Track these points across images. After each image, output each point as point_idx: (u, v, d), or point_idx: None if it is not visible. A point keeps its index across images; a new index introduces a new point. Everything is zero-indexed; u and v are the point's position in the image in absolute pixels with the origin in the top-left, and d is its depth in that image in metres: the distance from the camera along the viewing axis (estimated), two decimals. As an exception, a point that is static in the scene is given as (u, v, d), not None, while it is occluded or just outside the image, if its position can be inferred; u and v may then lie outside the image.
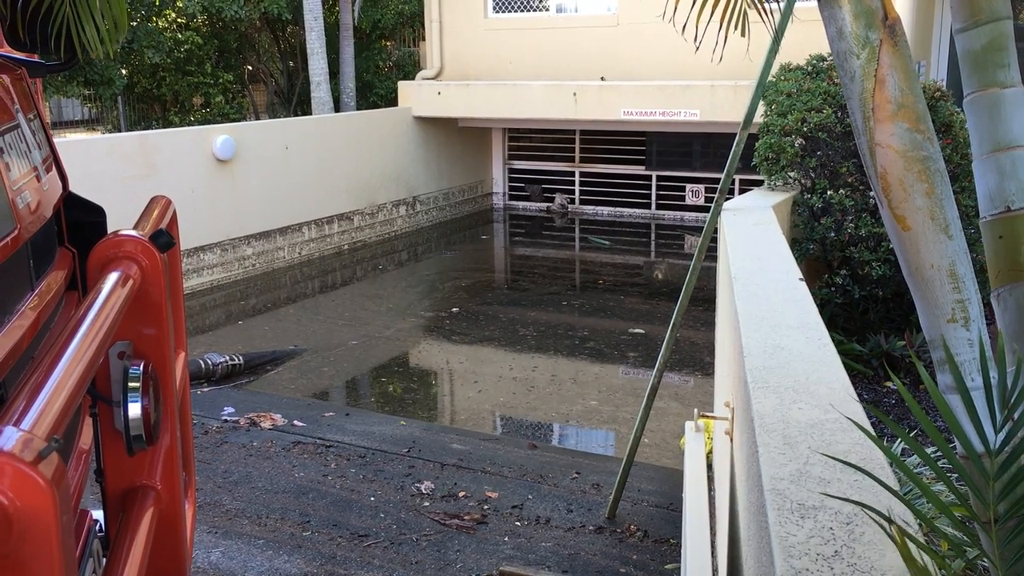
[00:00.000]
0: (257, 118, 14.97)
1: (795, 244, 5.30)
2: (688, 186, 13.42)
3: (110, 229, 2.11)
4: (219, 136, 10.05)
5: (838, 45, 1.34)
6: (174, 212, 1.97)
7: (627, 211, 13.99)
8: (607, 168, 14.01)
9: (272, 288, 10.49)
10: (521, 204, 14.76)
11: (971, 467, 1.24)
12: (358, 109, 13.97)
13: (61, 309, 1.82)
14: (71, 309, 1.90)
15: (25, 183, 1.58)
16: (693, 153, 13.30)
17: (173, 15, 13.68)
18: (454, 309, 9.43)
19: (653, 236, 13.29)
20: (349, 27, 13.85)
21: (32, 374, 0.94)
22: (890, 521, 1.19)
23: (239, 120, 13.64)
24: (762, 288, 2.98)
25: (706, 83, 10.79)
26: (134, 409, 1.25)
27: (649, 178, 13.72)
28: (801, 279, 3.11)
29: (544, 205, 14.51)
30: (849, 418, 1.37)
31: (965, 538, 1.27)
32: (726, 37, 2.48)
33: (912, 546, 1.21)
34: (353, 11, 13.98)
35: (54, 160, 1.95)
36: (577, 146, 14.20)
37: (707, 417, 3.58)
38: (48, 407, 0.84)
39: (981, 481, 1.23)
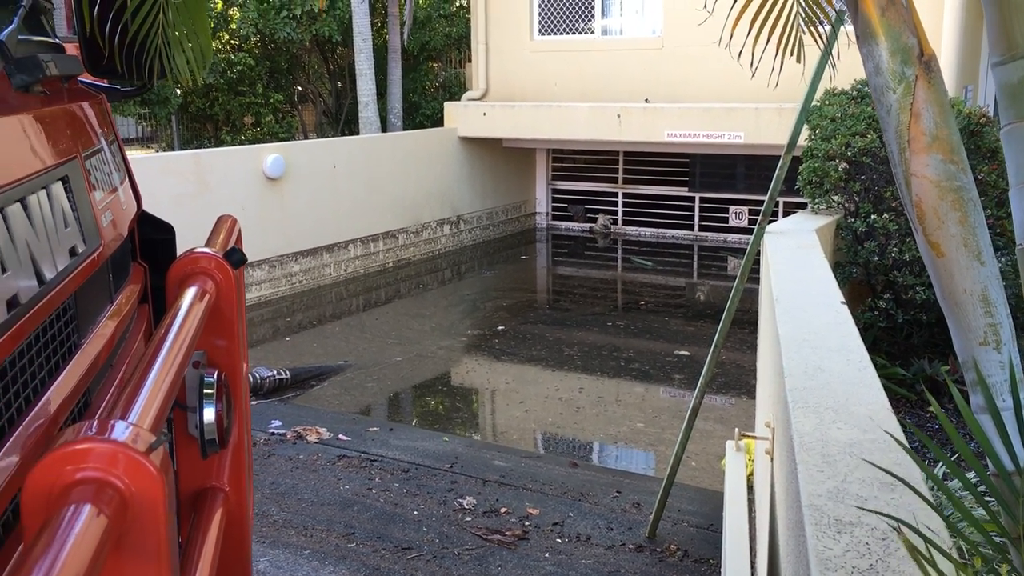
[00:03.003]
0: (306, 137, 15.25)
1: (838, 268, 5.30)
2: (731, 208, 13.41)
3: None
4: (270, 155, 10.28)
5: (875, 80, 1.40)
6: (239, 230, 2.08)
7: (670, 232, 14.00)
8: (650, 189, 14.05)
9: (318, 304, 10.67)
10: (564, 224, 14.84)
11: (1002, 485, 1.29)
12: (404, 129, 14.18)
13: (134, 322, 1.93)
14: (142, 322, 2.01)
15: (108, 203, 1.70)
16: (737, 175, 13.29)
17: (227, 37, 14.02)
18: (500, 328, 9.52)
19: (696, 257, 13.28)
20: (397, 49, 14.09)
21: (131, 378, 1.04)
22: (919, 534, 1.24)
23: (288, 139, 13.92)
24: (804, 311, 3.02)
25: (751, 106, 10.81)
26: (209, 414, 1.34)
27: (692, 199, 13.73)
28: (843, 302, 3.15)
29: (587, 225, 14.58)
30: (889, 433, 1.43)
31: (996, 554, 1.32)
32: (782, 62, 2.54)
33: (943, 560, 1.26)
34: (402, 34, 14.22)
35: (129, 180, 2.07)
36: (621, 167, 14.26)
37: (748, 437, 3.61)
38: (149, 406, 0.94)
39: (1011, 498, 1.28)
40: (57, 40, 1.91)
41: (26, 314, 1.11)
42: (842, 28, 3.82)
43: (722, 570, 2.57)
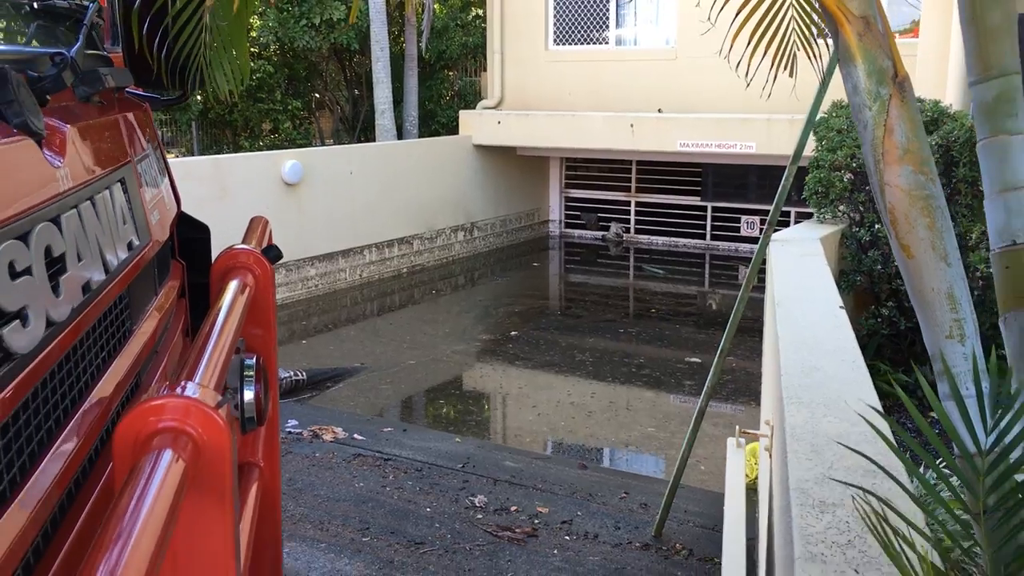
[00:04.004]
0: (323, 144, 15.46)
1: (843, 276, 5.42)
2: (743, 218, 13.52)
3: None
4: (288, 161, 10.47)
5: (854, 98, 1.54)
6: (271, 230, 2.23)
7: (682, 241, 14.12)
8: (663, 198, 14.18)
9: (333, 308, 10.84)
10: (577, 232, 14.98)
11: (965, 466, 1.43)
12: (420, 137, 14.36)
13: (174, 316, 2.08)
14: (181, 316, 2.17)
15: (155, 203, 1.86)
16: (749, 185, 13.41)
17: (247, 45, 14.25)
18: (512, 333, 9.67)
19: (707, 266, 13.39)
20: (414, 57, 14.28)
21: (190, 356, 1.19)
22: (879, 499, 1.38)
23: (305, 145, 14.13)
24: (803, 314, 3.16)
25: (763, 117, 10.93)
26: (248, 394, 1.48)
27: (704, 209, 13.85)
28: (841, 307, 3.27)
29: (599, 234, 14.71)
30: (870, 423, 1.56)
31: (960, 528, 1.45)
32: (775, 76, 2.69)
33: (919, 540, 1.39)
34: (419, 43, 14.42)
35: (170, 183, 2.23)
36: (634, 176, 14.40)
37: (748, 434, 3.74)
38: (210, 374, 1.09)
39: (973, 478, 1.41)
40: (106, 53, 2.07)
41: (95, 299, 1.26)
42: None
43: (722, 559, 2.70)
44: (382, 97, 13.29)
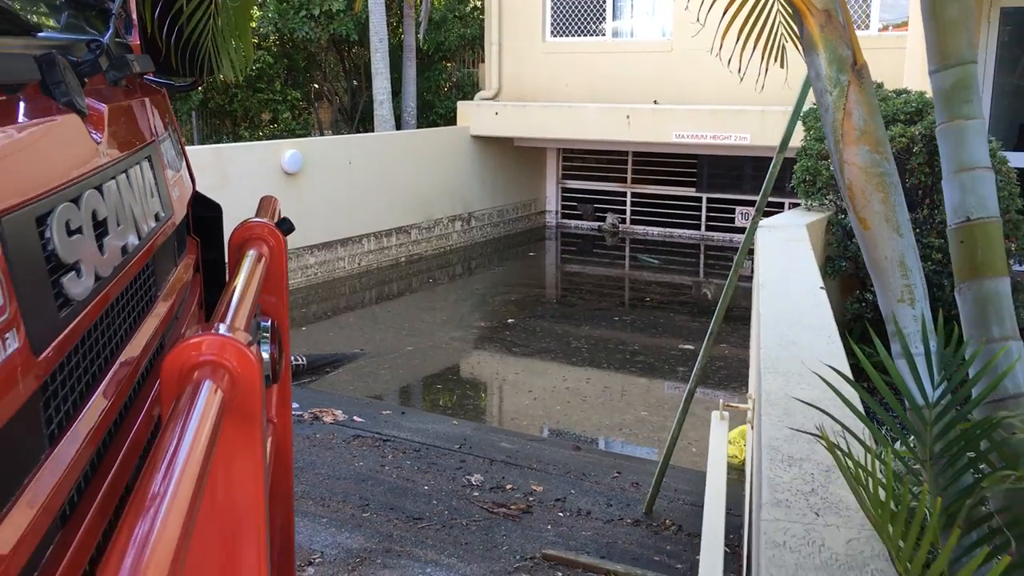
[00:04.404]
0: (322, 134, 15.58)
1: (829, 261, 5.57)
2: (738, 208, 13.66)
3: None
4: (288, 150, 10.60)
5: (816, 84, 1.69)
6: (280, 208, 2.38)
7: (677, 232, 14.26)
8: (658, 189, 14.32)
9: (333, 296, 10.98)
10: (573, 223, 15.12)
11: (915, 417, 1.57)
12: (418, 127, 14.48)
13: (190, 288, 2.23)
14: (196, 290, 2.32)
15: (175, 180, 2.00)
16: (744, 176, 13.55)
17: (250, 31, 14.34)
18: (509, 320, 9.81)
19: (702, 257, 13.54)
20: (412, 49, 14.40)
21: (220, 308, 1.33)
22: (838, 422, 1.53)
23: (305, 136, 14.24)
24: (786, 294, 3.30)
25: (757, 108, 11.07)
26: (265, 353, 1.63)
27: (700, 200, 13.99)
28: (822, 288, 3.42)
29: (596, 224, 14.85)
30: (831, 386, 1.71)
31: (913, 477, 1.60)
32: (767, 69, 2.83)
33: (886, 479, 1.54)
34: (417, 34, 14.53)
35: (186, 164, 2.38)
36: (630, 167, 14.53)
37: (732, 407, 3.90)
38: (240, 319, 1.24)
39: (921, 428, 1.56)
40: (127, 41, 2.21)
41: (131, 260, 1.41)
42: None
43: (703, 522, 2.84)
44: (381, 88, 13.41)
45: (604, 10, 13.50)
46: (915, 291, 1.66)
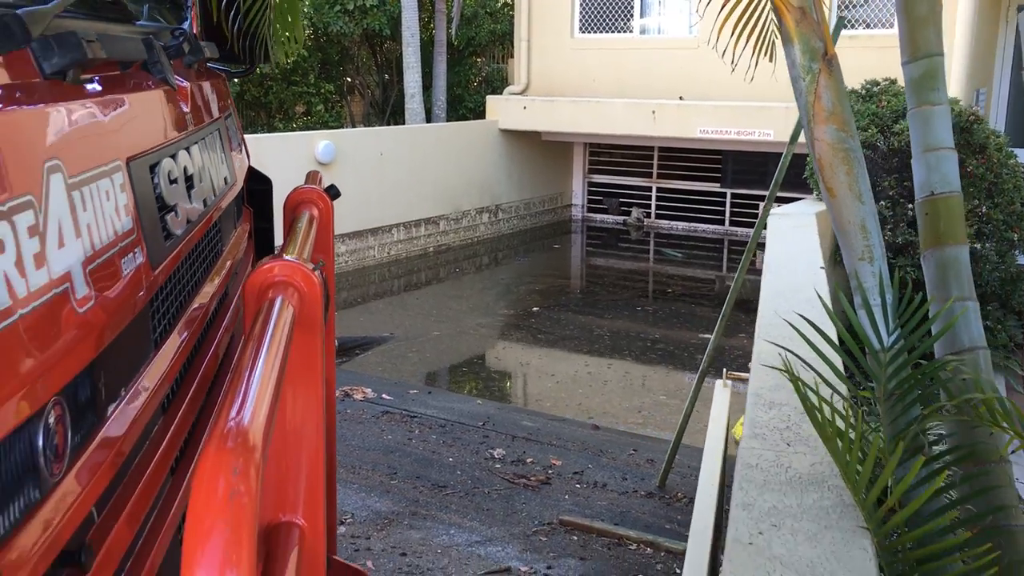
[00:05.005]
0: (354, 126, 15.91)
1: (838, 250, 5.76)
2: (762, 204, 13.81)
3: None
4: (321, 141, 10.93)
5: (792, 72, 1.94)
6: (323, 178, 2.67)
7: (701, 226, 14.45)
8: (683, 184, 14.51)
9: (363, 284, 11.30)
10: (599, 216, 15.35)
11: (872, 361, 1.82)
12: (448, 121, 14.77)
13: (244, 253, 2.52)
14: (250, 255, 2.61)
15: (235, 152, 2.29)
16: (768, 172, 13.69)
17: (300, 17, 14.71)
18: (534, 309, 10.08)
19: (726, 251, 13.72)
20: (443, 44, 14.69)
21: (284, 245, 1.62)
22: (799, 359, 1.78)
23: (337, 128, 14.58)
24: (790, 273, 3.54)
25: (781, 105, 11.24)
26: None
27: (724, 195, 14.17)
28: (822, 267, 3.66)
29: (621, 218, 15.07)
30: (792, 324, 1.96)
31: (871, 415, 1.85)
32: (757, 61, 3.08)
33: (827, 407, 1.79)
34: (449, 30, 14.82)
35: (242, 139, 2.67)
36: (655, 162, 14.74)
37: (734, 376, 4.14)
38: (304, 252, 1.52)
39: (878, 370, 1.81)
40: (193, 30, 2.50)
41: (209, 212, 1.69)
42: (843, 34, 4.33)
43: (699, 480, 3.08)
44: (412, 82, 13.71)
45: (632, 7, 13.72)
46: (874, 251, 1.91)
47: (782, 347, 2.05)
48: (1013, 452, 1.87)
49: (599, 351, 8.60)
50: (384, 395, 6.80)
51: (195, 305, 1.53)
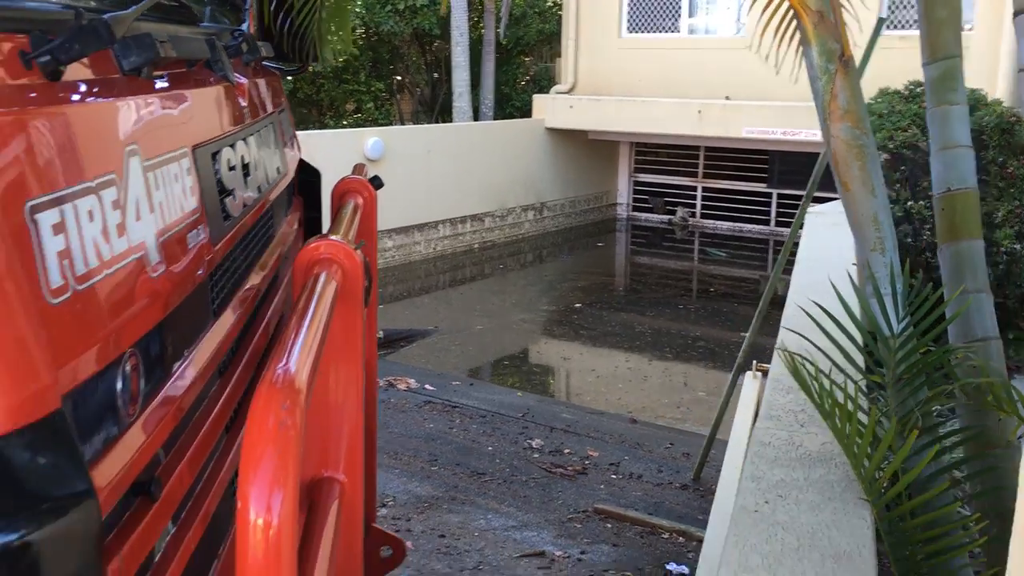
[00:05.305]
0: (403, 124, 16.15)
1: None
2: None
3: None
4: (370, 138, 11.16)
5: (810, 72, 2.03)
6: (367, 170, 2.82)
7: (747, 227, 14.42)
8: (729, 184, 14.49)
9: (409, 279, 11.50)
10: (643, 215, 15.39)
11: (883, 347, 1.92)
12: (495, 119, 14.93)
13: (294, 239, 2.68)
14: (299, 242, 2.77)
15: (287, 145, 2.45)
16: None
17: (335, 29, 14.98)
18: (576, 305, 10.20)
19: (771, 252, 13.68)
20: (492, 43, 14.86)
21: (331, 228, 1.76)
22: (796, 354, 1.88)
23: (386, 125, 14.82)
24: (818, 269, 3.61)
25: (828, 105, 11.19)
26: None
27: (770, 195, 14.13)
28: (854, 263, 3.72)
29: (666, 217, 15.10)
30: (806, 311, 2.06)
31: (879, 398, 1.95)
32: (801, 62, 3.17)
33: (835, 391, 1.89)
34: (497, 29, 14.98)
35: (294, 135, 2.83)
36: (701, 162, 14.74)
37: (763, 368, 4.22)
38: (347, 234, 1.67)
39: (887, 355, 1.90)
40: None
41: (263, 197, 1.85)
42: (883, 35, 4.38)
43: (720, 477, 3.16)
44: (460, 81, 13.89)
45: (680, 7, 13.75)
46: (885, 242, 2.00)
47: (800, 334, 2.16)
48: (1021, 437, 1.95)
49: (640, 348, 8.69)
50: (427, 385, 6.96)
51: (249, 282, 1.68)
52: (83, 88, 1.08)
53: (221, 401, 1.49)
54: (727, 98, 12.61)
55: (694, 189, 14.92)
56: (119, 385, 1.02)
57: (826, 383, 1.80)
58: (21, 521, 0.76)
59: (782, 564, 1.40)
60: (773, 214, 14.17)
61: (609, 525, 4.72)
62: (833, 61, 1.98)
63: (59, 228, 0.88)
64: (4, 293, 0.78)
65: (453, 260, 12.33)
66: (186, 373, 1.30)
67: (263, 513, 0.85)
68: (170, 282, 1.19)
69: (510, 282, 11.79)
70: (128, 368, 1.05)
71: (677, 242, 14.39)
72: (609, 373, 7.97)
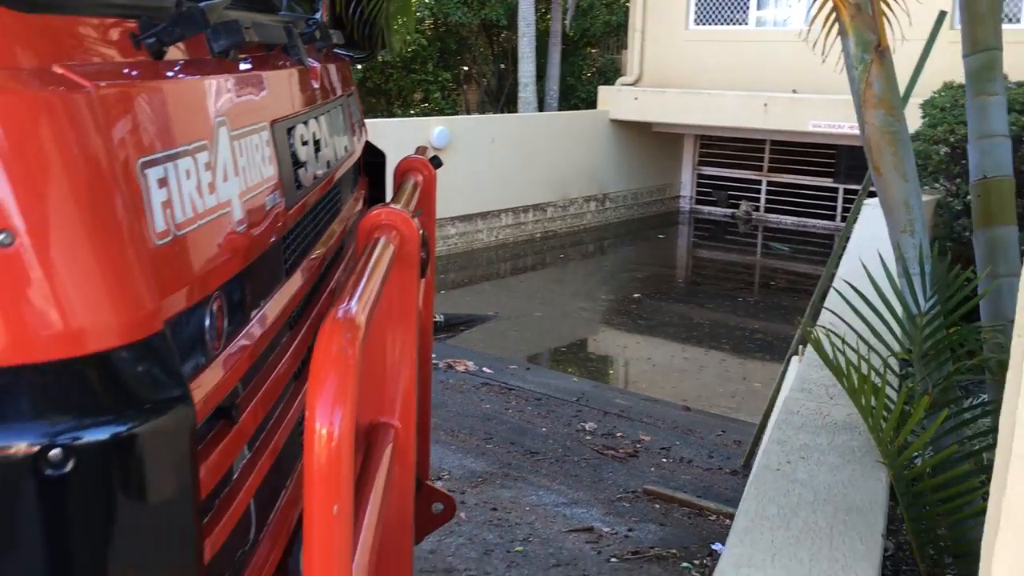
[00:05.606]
0: (468, 114, 16.36)
1: (935, 242, 5.79)
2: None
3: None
4: (436, 127, 11.37)
5: (847, 61, 2.12)
6: (427, 151, 2.98)
7: (812, 221, 14.30)
8: (795, 178, 14.38)
9: (471, 266, 11.71)
10: (706, 209, 15.36)
11: (911, 325, 2.01)
12: (559, 110, 15.04)
13: (358, 213, 2.85)
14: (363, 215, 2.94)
15: (355, 126, 2.63)
16: (883, 168, 13.44)
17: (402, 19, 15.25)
18: (635, 295, 10.28)
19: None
20: (558, 34, 14.96)
21: (392, 199, 1.93)
22: (843, 341, 1.99)
23: (452, 115, 15.04)
24: (865, 257, 3.67)
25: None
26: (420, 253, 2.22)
27: (836, 190, 13.99)
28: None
29: (729, 211, 15.04)
30: (843, 297, 2.16)
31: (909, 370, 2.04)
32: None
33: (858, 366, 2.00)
34: (564, 21, 15.08)
35: (362, 118, 3.01)
36: (767, 155, 14.64)
37: (810, 353, 4.29)
38: (407, 205, 1.83)
39: (915, 332, 2.00)
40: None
41: (332, 172, 2.02)
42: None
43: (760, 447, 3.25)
44: (526, 71, 14.04)
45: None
46: (915, 225, 2.09)
47: (834, 313, 2.26)
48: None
49: (697, 339, 8.75)
50: (485, 368, 7.14)
51: (316, 249, 1.86)
52: (181, 66, 1.25)
53: (289, 352, 1.67)
54: (794, 91, 12.52)
55: (759, 183, 14.84)
56: (207, 321, 1.20)
57: (852, 356, 1.91)
58: (131, 416, 0.93)
59: (797, 515, 1.51)
60: (839, 209, 14.01)
61: (657, 506, 4.83)
62: (869, 51, 2.07)
63: (163, 182, 1.05)
64: (121, 232, 0.96)
65: (514, 249, 12.50)
66: (261, 321, 1.47)
67: (327, 424, 1.02)
68: (250, 238, 1.36)
69: (570, 271, 11.91)
70: (215, 308, 1.22)
71: (740, 236, 14.34)
72: (665, 362, 8.06)
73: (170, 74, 1.20)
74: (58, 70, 0.94)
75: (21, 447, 0.86)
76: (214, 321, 1.22)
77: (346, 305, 1.17)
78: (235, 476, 1.33)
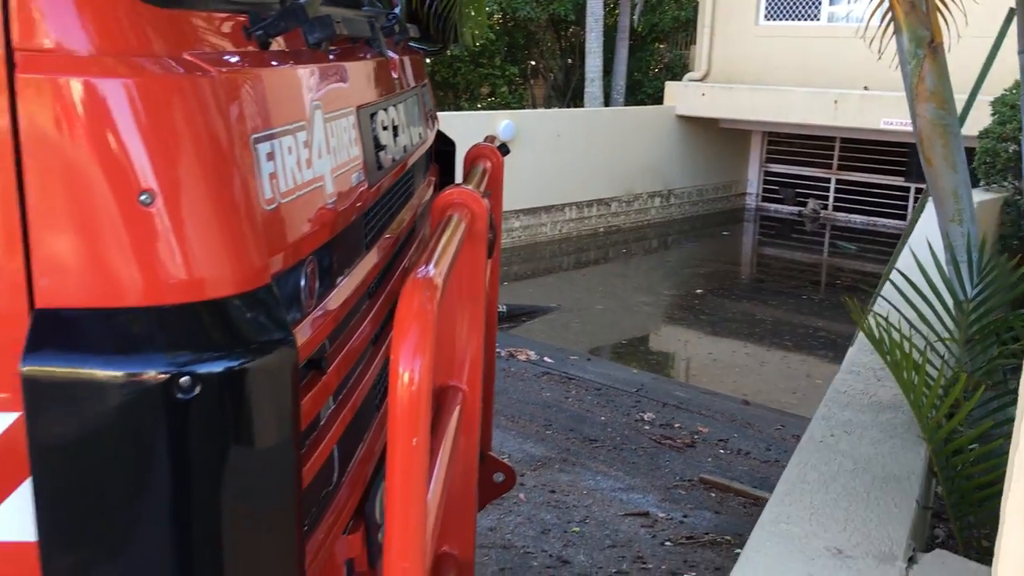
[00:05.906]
0: (535, 109, 16.49)
1: (1001, 239, 5.74)
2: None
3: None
4: (503, 120, 11.53)
5: (900, 56, 2.20)
6: (495, 139, 3.12)
7: (881, 221, 14.11)
8: (864, 177, 14.20)
9: (534, 259, 11.85)
10: (773, 206, 15.25)
11: (958, 311, 2.09)
12: (626, 105, 15.08)
13: (430, 198, 3.01)
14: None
15: (428, 115, 2.78)
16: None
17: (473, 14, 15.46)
18: (698, 291, 10.32)
19: (904, 247, 13.36)
20: (626, 30, 15.00)
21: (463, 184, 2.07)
22: (889, 323, 2.07)
23: (519, 109, 15.19)
24: (922, 253, 3.72)
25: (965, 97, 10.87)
26: (488, 235, 2.36)
27: (907, 189, 13.78)
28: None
29: (796, 209, 14.92)
30: (904, 297, 2.24)
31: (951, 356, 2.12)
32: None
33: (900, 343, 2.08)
34: (632, 16, 15.11)
35: (434, 108, 3.17)
36: (836, 153, 14.48)
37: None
38: (477, 186, 1.98)
39: (961, 318, 2.07)
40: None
41: (407, 157, 2.18)
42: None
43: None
44: (593, 66, 14.11)
45: (820, -5, 13.56)
46: (963, 214, 2.16)
47: (887, 300, 2.34)
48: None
49: (759, 335, 8.76)
50: (546, 358, 7.28)
51: (392, 226, 2.01)
52: (283, 56, 1.41)
53: (368, 319, 1.83)
54: (865, 88, 12.38)
55: (827, 181, 14.69)
56: (303, 282, 1.35)
57: (896, 336, 1.99)
58: (242, 353, 1.09)
59: (836, 480, 1.61)
60: (910, 209, 13.79)
61: (713, 494, 4.92)
62: (922, 47, 2.14)
63: (271, 156, 1.21)
64: (238, 198, 1.11)
65: (578, 243, 12.60)
66: (345, 287, 1.63)
67: (408, 368, 1.16)
68: (337, 211, 1.52)
69: (633, 266, 11.97)
70: (309, 270, 1.38)
71: (806, 234, 14.22)
72: (726, 358, 8.10)
73: (275, 63, 1.36)
74: (188, 57, 1.10)
75: (157, 375, 1.02)
76: (308, 282, 1.38)
77: (425, 268, 1.31)
78: (322, 423, 1.49)
